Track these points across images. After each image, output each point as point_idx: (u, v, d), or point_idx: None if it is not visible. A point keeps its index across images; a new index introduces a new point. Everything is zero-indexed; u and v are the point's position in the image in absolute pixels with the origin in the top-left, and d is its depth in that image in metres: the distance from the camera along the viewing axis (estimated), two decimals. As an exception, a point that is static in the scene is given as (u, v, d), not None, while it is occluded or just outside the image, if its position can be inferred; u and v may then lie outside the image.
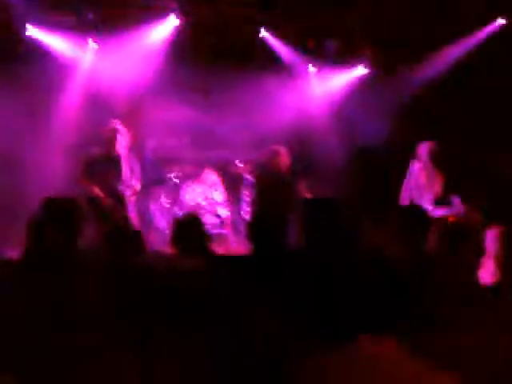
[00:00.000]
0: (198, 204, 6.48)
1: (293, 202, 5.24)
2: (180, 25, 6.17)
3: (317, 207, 2.74)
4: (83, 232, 2.67)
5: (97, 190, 4.83)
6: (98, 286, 2.25)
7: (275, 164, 5.39)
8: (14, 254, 3.38)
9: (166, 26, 6.20)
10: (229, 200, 6.66)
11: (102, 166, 4.94)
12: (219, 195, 6.60)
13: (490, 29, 6.23)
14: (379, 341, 1.64)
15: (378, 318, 2.08)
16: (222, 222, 6.35)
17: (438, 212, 4.48)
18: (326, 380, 1.64)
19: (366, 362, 1.61)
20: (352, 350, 1.65)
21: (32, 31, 5.98)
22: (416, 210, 3.42)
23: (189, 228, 2.95)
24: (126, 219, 4.90)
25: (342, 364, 1.61)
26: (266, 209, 5.21)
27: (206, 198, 6.54)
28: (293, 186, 5.36)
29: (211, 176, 6.63)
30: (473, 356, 2.00)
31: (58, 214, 2.53)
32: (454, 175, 5.01)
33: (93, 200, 4.73)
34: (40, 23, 5.91)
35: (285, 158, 5.39)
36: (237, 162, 6.39)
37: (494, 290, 3.12)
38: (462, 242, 4.17)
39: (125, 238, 2.84)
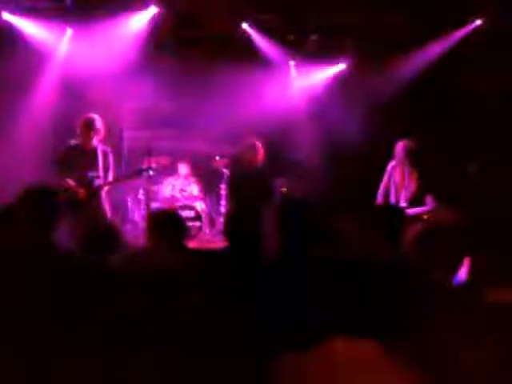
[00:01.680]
0: (174, 196, 6.45)
1: (267, 195, 5.24)
2: (159, 14, 6.09)
3: (293, 206, 2.73)
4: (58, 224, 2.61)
5: (71, 182, 4.75)
6: (72, 283, 2.20)
7: (250, 158, 5.38)
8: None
9: (145, 15, 6.11)
10: (205, 193, 6.64)
11: (77, 157, 4.85)
12: (195, 188, 6.58)
13: (467, 29, 6.32)
14: (354, 341, 1.65)
15: (353, 318, 2.09)
16: (198, 215, 6.32)
17: (413, 210, 4.53)
18: (301, 378, 1.64)
19: (340, 362, 1.61)
20: (327, 349, 1.65)
21: (8, 17, 5.83)
22: (391, 210, 3.45)
23: (164, 222, 2.91)
24: (100, 211, 4.83)
25: (318, 363, 1.62)
26: (241, 202, 5.20)
27: (182, 191, 6.51)
28: (268, 180, 5.36)
29: (187, 169, 6.60)
30: (445, 357, 2.03)
31: (38, 204, 2.45)
32: (429, 173, 5.07)
33: (67, 192, 4.65)
34: (16, 8, 5.76)
35: (260, 152, 5.37)
36: (216, 157, 6.37)
37: (468, 288, 3.17)
38: (436, 240, 4.23)
39: (101, 232, 2.79)
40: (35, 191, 2.50)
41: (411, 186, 4.85)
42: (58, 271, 2.23)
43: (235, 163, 5.86)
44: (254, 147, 5.37)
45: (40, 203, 2.46)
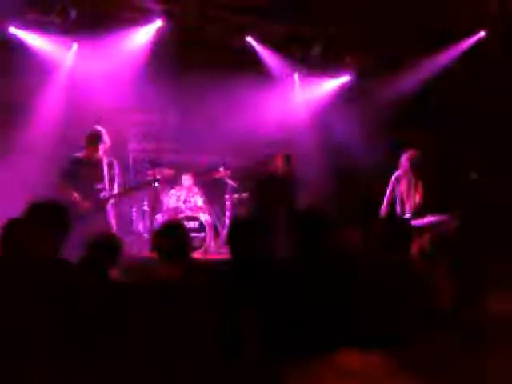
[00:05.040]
0: (178, 208, 6.45)
1: (287, 204, 5.25)
2: (164, 28, 6.14)
3: (303, 218, 2.74)
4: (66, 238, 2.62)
5: (76, 195, 4.77)
6: (77, 295, 2.20)
7: (275, 168, 5.48)
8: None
9: (150, 29, 6.16)
10: (209, 204, 6.65)
11: (82, 169, 4.87)
12: (199, 199, 6.58)
13: (471, 40, 6.35)
14: (364, 353, 1.64)
15: (360, 329, 2.08)
16: (202, 226, 6.32)
17: (418, 222, 4.51)
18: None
19: (351, 374, 1.60)
20: (338, 361, 1.64)
21: (14, 31, 5.89)
22: (397, 221, 3.44)
23: (170, 235, 2.90)
24: (105, 224, 4.83)
25: (328, 375, 1.61)
26: (261, 208, 5.26)
27: (186, 202, 6.51)
28: (289, 189, 5.40)
29: (190, 180, 6.61)
30: (450, 367, 2.02)
31: (47, 219, 2.46)
32: (434, 184, 5.06)
33: (72, 204, 4.66)
34: (22, 22, 5.81)
35: (289, 163, 5.46)
36: (220, 168, 6.40)
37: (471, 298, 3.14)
38: (442, 251, 4.21)
39: (103, 245, 2.80)
40: (42, 205, 2.51)
41: (416, 197, 4.83)
42: (64, 284, 2.23)
43: (261, 171, 5.90)
44: (281, 158, 5.45)
45: (47, 217, 2.47)
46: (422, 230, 4.45)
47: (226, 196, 6.44)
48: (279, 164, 5.51)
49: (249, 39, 6.46)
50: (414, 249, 3.93)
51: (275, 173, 5.53)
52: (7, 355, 2.00)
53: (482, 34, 6.30)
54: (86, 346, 2.08)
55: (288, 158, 5.53)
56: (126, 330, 2.19)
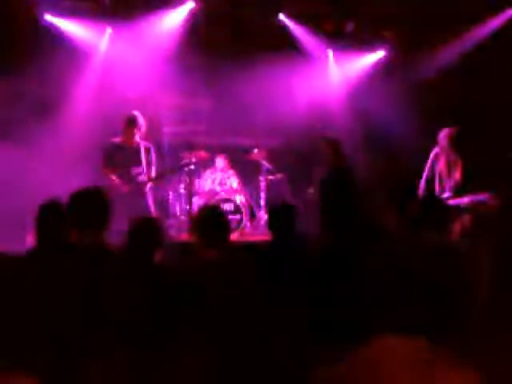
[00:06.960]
0: (213, 190, 6.49)
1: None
2: (195, 9, 6.11)
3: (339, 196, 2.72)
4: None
5: (115, 178, 4.86)
6: (121, 281, 2.25)
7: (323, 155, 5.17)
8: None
9: (182, 10, 6.15)
10: (244, 186, 6.66)
11: (120, 154, 4.95)
12: (234, 181, 6.60)
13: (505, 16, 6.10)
14: (403, 339, 1.62)
15: (402, 315, 2.06)
16: (238, 208, 6.34)
17: (459, 200, 4.41)
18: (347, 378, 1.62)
19: (388, 361, 1.58)
20: (374, 347, 1.62)
21: (50, 18, 5.98)
22: (435, 201, 3.37)
23: (208, 218, 2.92)
24: (144, 207, 4.92)
25: (364, 363, 1.60)
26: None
27: (221, 184, 6.54)
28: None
29: (223, 162, 6.62)
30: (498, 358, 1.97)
31: (89, 206, 2.50)
32: (474, 162, 4.91)
33: (112, 188, 4.75)
34: (57, 9, 5.89)
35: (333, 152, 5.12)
36: (255, 149, 6.37)
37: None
38: (484, 231, 4.11)
39: (144, 228, 2.83)
40: (88, 192, 2.56)
41: (456, 175, 4.70)
42: (109, 268, 2.29)
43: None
44: (327, 145, 5.13)
45: (92, 204, 2.52)
46: (462, 209, 4.34)
47: (261, 177, 6.44)
48: (326, 151, 5.09)
49: (281, 16, 6.37)
50: (456, 229, 3.85)
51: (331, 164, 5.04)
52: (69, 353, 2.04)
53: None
54: (132, 328, 2.12)
55: (335, 146, 5.09)
56: (170, 311, 2.22)
